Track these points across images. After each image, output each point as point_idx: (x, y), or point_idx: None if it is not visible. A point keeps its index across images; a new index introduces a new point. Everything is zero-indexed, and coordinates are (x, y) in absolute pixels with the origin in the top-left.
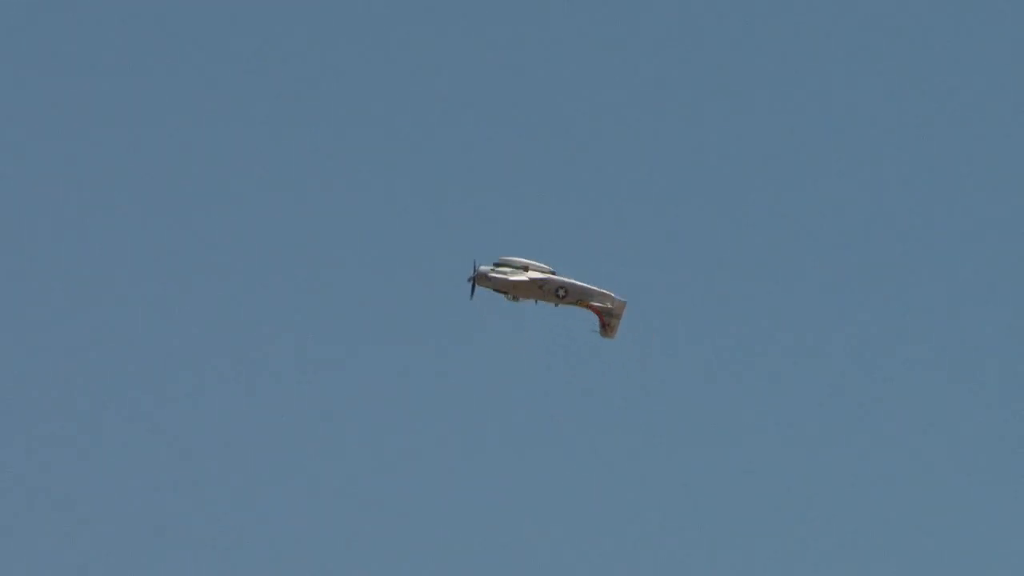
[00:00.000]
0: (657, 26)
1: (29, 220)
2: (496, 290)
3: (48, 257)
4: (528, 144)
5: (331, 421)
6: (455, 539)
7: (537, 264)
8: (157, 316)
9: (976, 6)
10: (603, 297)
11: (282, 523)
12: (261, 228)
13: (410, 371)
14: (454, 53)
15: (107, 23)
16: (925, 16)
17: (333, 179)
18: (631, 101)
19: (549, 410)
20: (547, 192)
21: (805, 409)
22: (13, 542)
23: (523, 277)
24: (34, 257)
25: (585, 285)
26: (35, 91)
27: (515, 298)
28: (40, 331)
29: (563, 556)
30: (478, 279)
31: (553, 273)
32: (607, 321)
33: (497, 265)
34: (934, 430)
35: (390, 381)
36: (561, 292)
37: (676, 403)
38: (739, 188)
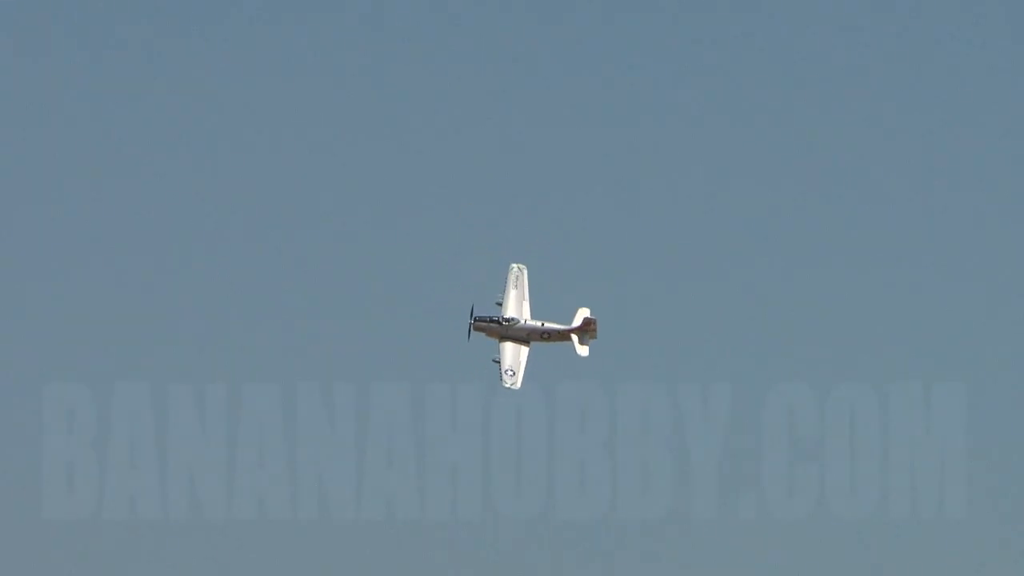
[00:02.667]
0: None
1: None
2: (489, 335)
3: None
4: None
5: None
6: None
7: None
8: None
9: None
10: (577, 325)
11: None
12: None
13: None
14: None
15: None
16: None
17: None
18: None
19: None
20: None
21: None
22: None
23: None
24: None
25: (562, 327)
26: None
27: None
28: None
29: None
30: (477, 325)
31: (541, 323)
32: (583, 338)
33: (493, 319)
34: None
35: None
36: (545, 336)
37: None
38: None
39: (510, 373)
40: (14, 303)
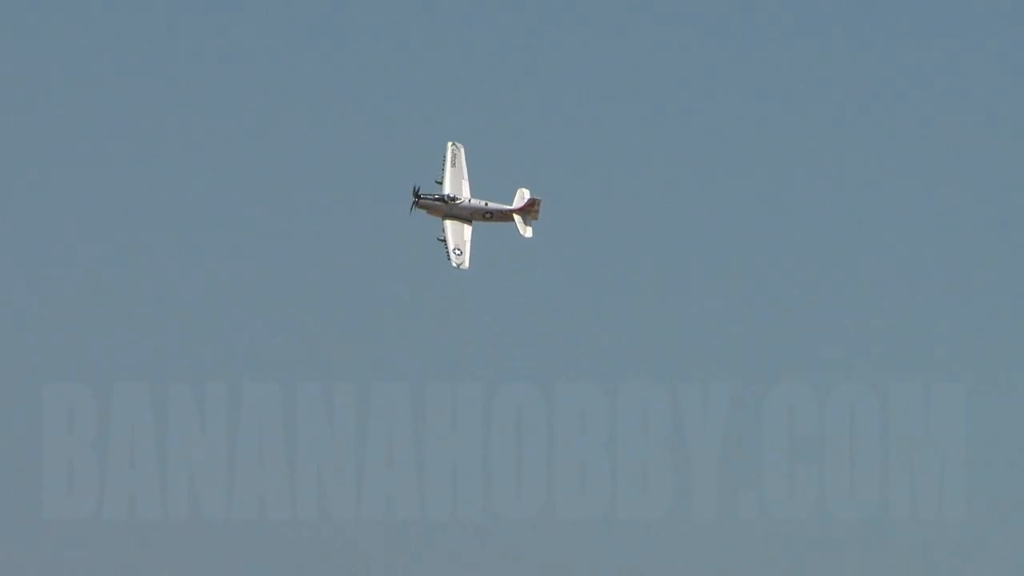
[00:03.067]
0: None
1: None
2: (431, 212)
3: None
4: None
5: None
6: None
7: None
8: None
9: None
10: (521, 205)
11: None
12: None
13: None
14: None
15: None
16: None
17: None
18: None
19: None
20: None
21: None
22: None
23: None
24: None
25: (506, 207)
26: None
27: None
28: None
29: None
30: (421, 202)
31: (484, 202)
32: (527, 219)
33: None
34: None
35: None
36: (488, 215)
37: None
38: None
39: (457, 252)
40: (14, 303)
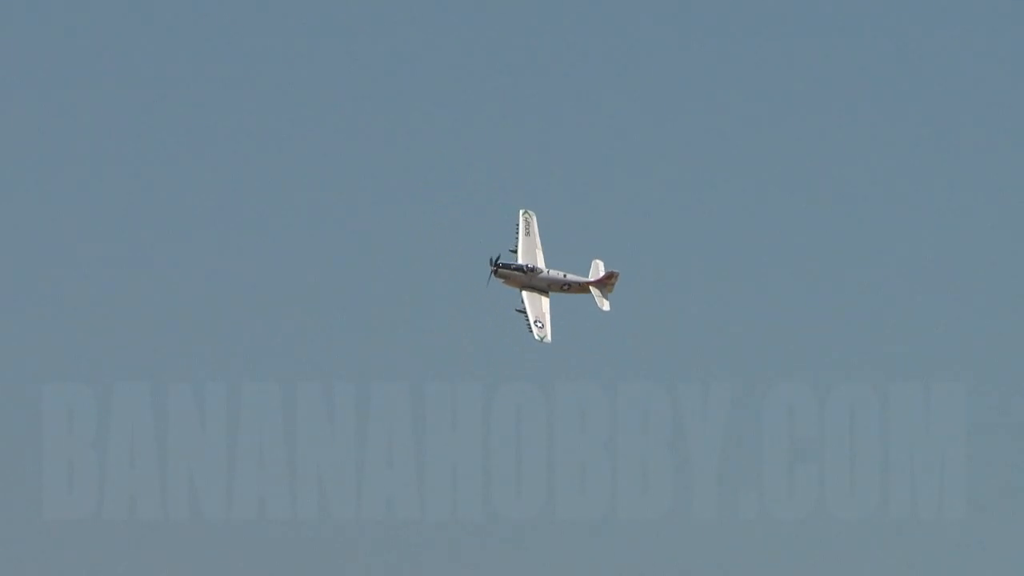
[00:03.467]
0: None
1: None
2: (508, 283)
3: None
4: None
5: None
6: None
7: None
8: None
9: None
10: (599, 278)
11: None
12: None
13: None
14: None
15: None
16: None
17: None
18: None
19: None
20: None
21: None
22: None
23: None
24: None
25: (584, 279)
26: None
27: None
28: None
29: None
30: (500, 271)
31: (563, 274)
32: (603, 292)
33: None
34: None
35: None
36: (566, 287)
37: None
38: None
39: (539, 325)
40: (14, 303)
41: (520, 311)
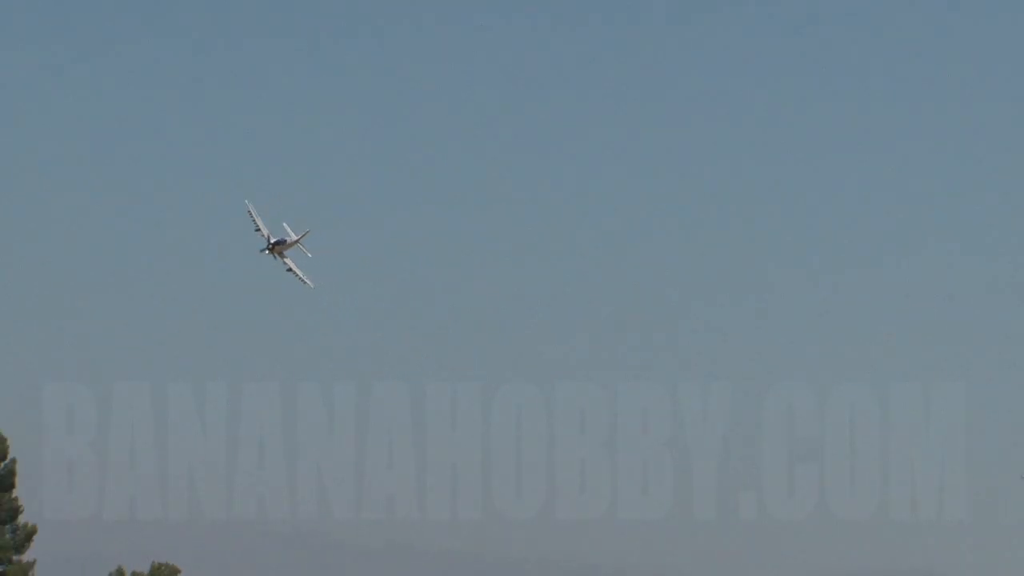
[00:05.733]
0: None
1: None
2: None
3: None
4: None
5: None
6: None
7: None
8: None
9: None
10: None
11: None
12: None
13: None
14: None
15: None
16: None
17: None
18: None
19: None
20: None
21: None
22: None
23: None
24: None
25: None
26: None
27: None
28: None
29: None
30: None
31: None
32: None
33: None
34: None
35: None
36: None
37: None
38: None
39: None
40: (14, 303)
41: (289, 270)
